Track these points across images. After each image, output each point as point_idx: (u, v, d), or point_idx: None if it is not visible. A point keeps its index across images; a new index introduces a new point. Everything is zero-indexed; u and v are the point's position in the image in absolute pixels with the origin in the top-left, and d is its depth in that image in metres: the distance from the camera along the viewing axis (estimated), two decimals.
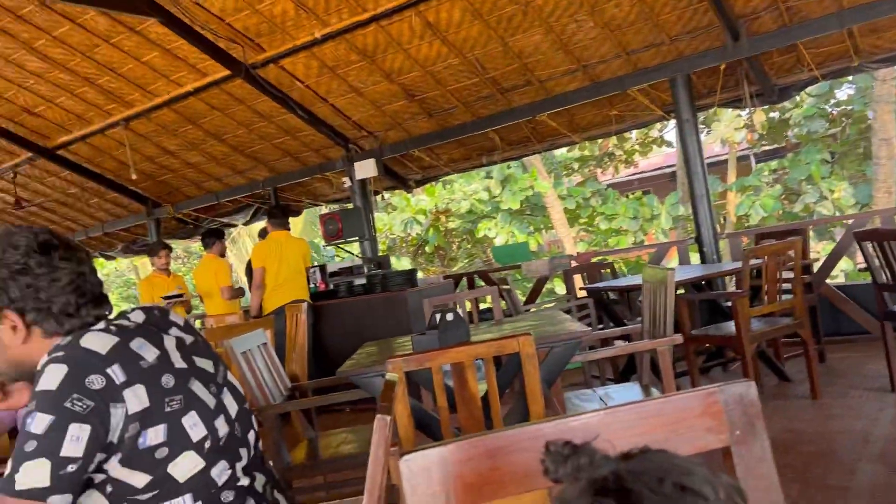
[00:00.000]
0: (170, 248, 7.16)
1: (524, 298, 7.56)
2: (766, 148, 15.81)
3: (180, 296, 6.67)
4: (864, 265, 4.18)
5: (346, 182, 7.59)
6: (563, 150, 15.98)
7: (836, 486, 2.89)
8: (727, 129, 14.20)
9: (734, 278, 5.65)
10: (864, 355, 5.02)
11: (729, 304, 4.72)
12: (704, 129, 14.50)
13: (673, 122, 6.10)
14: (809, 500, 2.79)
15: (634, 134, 15.36)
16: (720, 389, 0.94)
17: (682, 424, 0.93)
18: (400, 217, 14.59)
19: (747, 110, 6.21)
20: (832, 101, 14.06)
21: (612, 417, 0.94)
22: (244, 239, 16.40)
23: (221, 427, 1.43)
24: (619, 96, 6.16)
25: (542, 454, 0.66)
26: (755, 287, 4.28)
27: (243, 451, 1.48)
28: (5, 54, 6.34)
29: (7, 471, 1.23)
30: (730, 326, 4.19)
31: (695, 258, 6.39)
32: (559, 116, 6.57)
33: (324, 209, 10.20)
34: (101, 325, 1.40)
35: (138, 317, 1.46)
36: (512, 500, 0.92)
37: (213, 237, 6.89)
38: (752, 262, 4.14)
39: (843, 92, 14.16)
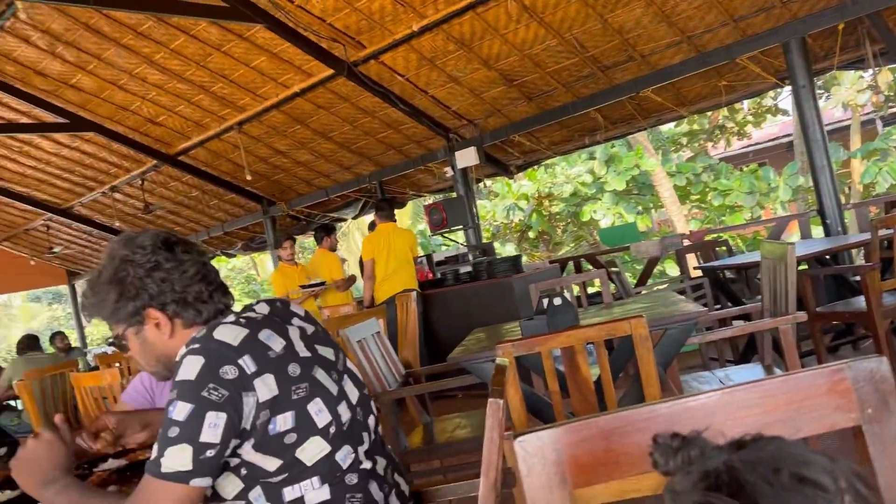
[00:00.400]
0: (293, 239, 7.20)
1: (634, 281, 7.39)
2: (894, 110, 14.65)
3: (322, 283, 6.65)
4: None
5: (448, 171, 7.66)
6: (671, 125, 15.39)
7: None
8: (849, 93, 13.24)
9: (862, 251, 5.32)
10: None
11: (857, 278, 4.44)
12: (823, 95, 13.60)
13: (788, 89, 5.77)
14: None
15: (746, 104, 14.59)
16: (848, 366, 0.90)
17: (807, 403, 0.90)
18: (502, 203, 14.53)
19: (871, 71, 5.80)
20: None
21: (731, 397, 0.91)
22: (353, 233, 16.86)
23: (344, 413, 1.48)
24: (727, 66, 5.89)
25: (651, 447, 0.65)
26: (887, 259, 4.00)
27: (365, 436, 1.54)
28: (129, 69, 6.81)
29: (153, 455, 1.33)
30: (859, 302, 3.94)
31: (817, 231, 6.05)
32: (664, 91, 6.36)
33: (428, 199, 10.33)
34: (231, 317, 1.48)
35: (263, 309, 1.54)
36: (629, 480, 0.92)
37: (323, 232, 7.10)
38: (882, 232, 3.87)
39: None
